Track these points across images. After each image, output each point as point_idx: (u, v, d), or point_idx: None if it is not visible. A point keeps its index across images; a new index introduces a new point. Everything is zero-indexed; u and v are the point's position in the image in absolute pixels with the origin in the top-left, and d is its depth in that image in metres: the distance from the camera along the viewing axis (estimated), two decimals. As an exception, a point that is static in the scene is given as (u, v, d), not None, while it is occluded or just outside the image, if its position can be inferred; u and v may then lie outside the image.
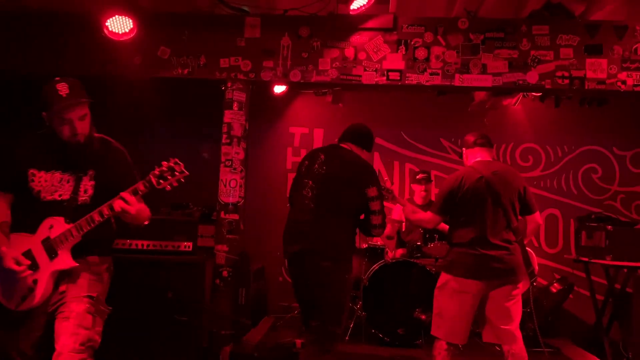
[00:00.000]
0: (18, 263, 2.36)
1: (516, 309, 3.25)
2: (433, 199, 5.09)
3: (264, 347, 4.06)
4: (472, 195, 3.23)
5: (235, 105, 4.06)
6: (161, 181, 2.36)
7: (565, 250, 5.51)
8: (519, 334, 3.22)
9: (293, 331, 4.54)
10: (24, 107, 2.79)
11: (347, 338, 4.32)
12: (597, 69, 3.86)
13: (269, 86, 4.93)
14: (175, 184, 2.38)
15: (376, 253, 4.80)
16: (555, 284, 4.73)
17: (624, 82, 3.84)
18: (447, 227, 3.57)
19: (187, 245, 3.75)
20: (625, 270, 4.43)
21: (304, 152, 5.93)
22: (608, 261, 4.38)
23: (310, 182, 3.15)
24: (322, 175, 3.14)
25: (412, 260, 4.50)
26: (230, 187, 3.99)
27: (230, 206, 3.99)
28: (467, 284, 3.18)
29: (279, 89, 5.26)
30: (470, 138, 3.45)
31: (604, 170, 5.57)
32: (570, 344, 4.67)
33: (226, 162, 4.02)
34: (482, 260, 3.17)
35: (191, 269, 3.70)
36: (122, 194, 2.36)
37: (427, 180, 5.05)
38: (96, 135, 2.57)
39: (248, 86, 4.12)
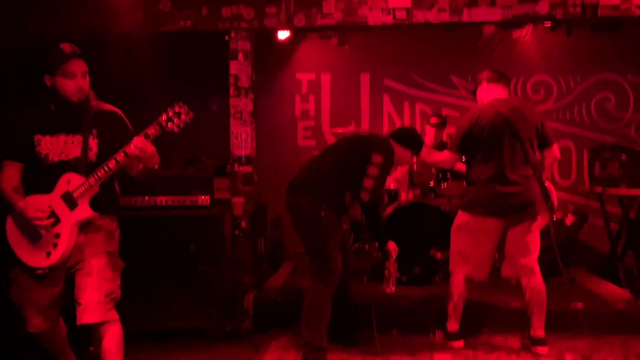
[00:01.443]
0: (39, 212, 2.48)
1: (534, 243, 3.32)
2: (445, 139, 5.06)
3: (286, 291, 4.19)
4: (489, 132, 3.25)
5: (240, 55, 4.00)
6: (169, 123, 2.47)
7: (579, 182, 5.51)
8: (537, 267, 3.31)
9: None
10: (24, 75, 2.87)
11: (365, 280, 4.43)
12: (611, -6, 3.72)
13: (272, 33, 4.84)
14: (182, 125, 2.49)
15: (390, 195, 4.84)
16: (569, 216, 4.78)
17: (638, 7, 3.71)
18: (463, 167, 3.60)
19: (204, 199, 3.81)
20: (637, 201, 4.45)
21: (312, 99, 5.91)
22: (622, 190, 4.40)
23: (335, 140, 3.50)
24: (344, 135, 3.52)
25: (425, 201, 4.54)
26: (242, 139, 4.01)
27: (243, 158, 4.02)
28: (486, 222, 3.26)
29: (282, 35, 5.16)
30: (485, 75, 3.44)
31: (617, 99, 5.47)
32: (584, 273, 4.76)
33: (235, 115, 4.01)
34: (500, 198, 3.22)
35: (210, 221, 3.79)
36: (134, 138, 2.47)
37: (442, 125, 4.98)
38: (93, 101, 2.65)
39: (252, 35, 4.05)
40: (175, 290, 3.70)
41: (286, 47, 5.73)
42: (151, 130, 2.47)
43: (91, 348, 2.76)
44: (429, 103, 5.75)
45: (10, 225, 2.60)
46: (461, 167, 3.74)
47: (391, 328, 3.75)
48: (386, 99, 5.84)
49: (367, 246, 4.74)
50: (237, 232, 4.00)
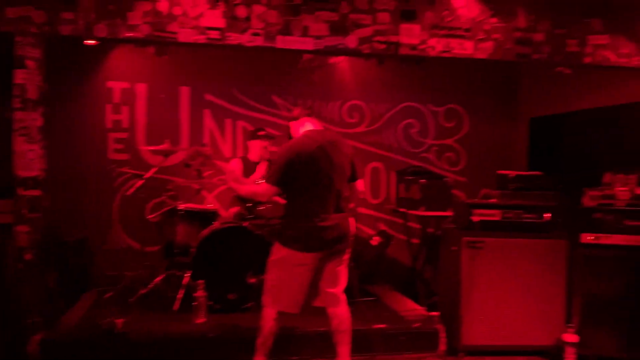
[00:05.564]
0: None
1: (344, 273, 3.38)
2: (269, 156, 4.99)
3: (80, 330, 3.74)
4: (310, 165, 3.19)
5: (28, 63, 3.50)
6: None
7: (388, 201, 5.90)
8: (343, 297, 3.38)
9: (118, 307, 4.25)
10: None
11: (175, 309, 4.18)
12: (410, 34, 4.02)
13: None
14: None
15: (207, 217, 4.65)
16: (375, 238, 5.07)
17: (433, 48, 4.06)
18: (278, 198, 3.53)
19: (-24, 229, 3.24)
20: (434, 219, 4.90)
21: (125, 110, 5.47)
22: (421, 212, 4.79)
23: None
24: None
25: (242, 223, 4.45)
26: (28, 159, 3.50)
27: (30, 181, 3.51)
28: (305, 257, 3.20)
29: (90, 39, 4.67)
30: (295, 112, 3.47)
31: (420, 125, 5.99)
32: (389, 290, 5.07)
33: (21, 131, 3.49)
34: (320, 233, 3.18)
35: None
36: None
37: (270, 137, 4.94)
38: None
39: (43, 41, 3.57)
40: None
41: (95, 52, 5.20)
42: None
43: None
44: (251, 121, 5.68)
45: None
46: (276, 198, 3.68)
47: (199, 361, 3.57)
48: (207, 114, 5.65)
49: (179, 272, 4.48)
50: (20, 266, 3.48)
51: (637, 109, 4.54)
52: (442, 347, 3.93)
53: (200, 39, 3.73)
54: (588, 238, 3.84)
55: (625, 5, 4.29)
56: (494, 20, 4.14)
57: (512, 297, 3.97)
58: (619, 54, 4.33)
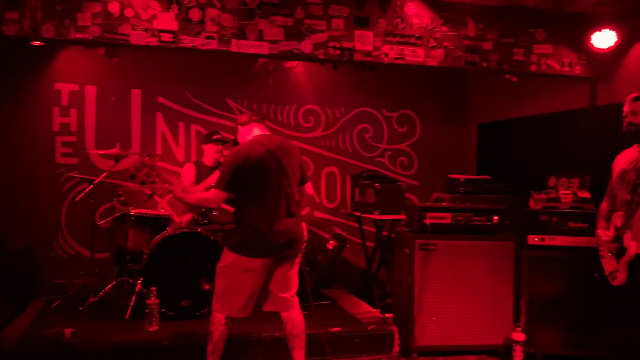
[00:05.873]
0: None
1: (295, 278, 3.38)
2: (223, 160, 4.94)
3: (26, 341, 3.59)
4: (259, 170, 3.18)
5: (-31, 63, 3.36)
6: None
7: (343, 205, 5.95)
8: (295, 301, 3.38)
9: (66, 316, 4.11)
10: None
11: (127, 317, 4.08)
12: (364, 41, 4.09)
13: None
14: None
15: (159, 222, 4.56)
16: (331, 242, 5.10)
17: (387, 55, 4.15)
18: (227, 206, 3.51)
19: None
20: (388, 223, 4.98)
21: (74, 112, 5.31)
22: (376, 216, 4.85)
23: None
24: None
25: (197, 228, 4.39)
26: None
27: (-30, 187, 3.36)
28: (254, 263, 3.18)
29: (36, 39, 4.51)
30: (243, 117, 3.43)
31: (374, 130, 6.08)
32: (344, 293, 5.12)
33: (-40, 134, 3.35)
34: (270, 238, 3.17)
35: None
36: None
37: (225, 142, 4.90)
38: None
39: (-14, 40, 3.44)
40: None
41: (42, 53, 5.02)
42: None
43: None
44: (204, 124, 5.62)
45: None
46: (225, 205, 3.66)
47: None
48: (159, 117, 5.55)
49: (131, 279, 4.38)
50: (-41, 276, 3.32)
51: (575, 116, 4.77)
52: (396, 348, 4.00)
53: (153, 41, 3.67)
54: (534, 239, 3.99)
55: (566, 17, 4.51)
56: (445, 28, 4.26)
57: (463, 297, 4.08)
58: (561, 63, 4.55)
